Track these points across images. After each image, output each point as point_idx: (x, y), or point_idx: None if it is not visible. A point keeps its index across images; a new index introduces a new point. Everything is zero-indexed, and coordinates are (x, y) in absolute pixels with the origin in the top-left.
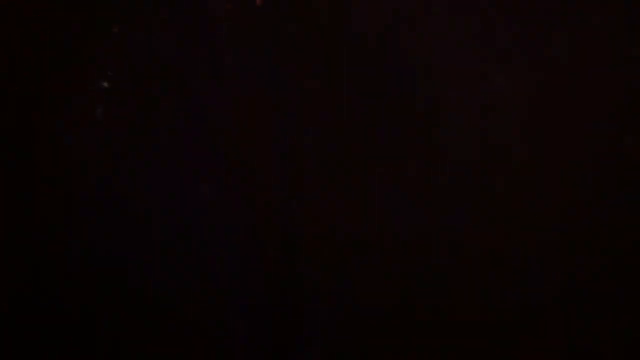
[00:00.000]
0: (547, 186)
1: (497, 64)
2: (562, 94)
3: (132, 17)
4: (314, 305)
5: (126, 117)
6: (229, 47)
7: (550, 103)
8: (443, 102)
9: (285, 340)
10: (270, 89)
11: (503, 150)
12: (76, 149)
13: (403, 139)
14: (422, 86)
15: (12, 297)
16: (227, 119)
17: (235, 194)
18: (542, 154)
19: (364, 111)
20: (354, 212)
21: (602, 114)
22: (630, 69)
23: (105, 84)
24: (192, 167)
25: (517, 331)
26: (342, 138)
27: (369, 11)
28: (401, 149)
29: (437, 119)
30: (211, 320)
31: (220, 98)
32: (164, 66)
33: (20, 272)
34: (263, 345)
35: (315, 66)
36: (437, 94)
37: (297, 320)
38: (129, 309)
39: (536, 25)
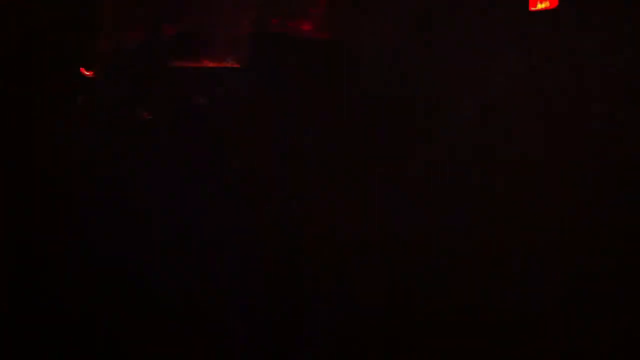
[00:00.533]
0: (547, 186)
1: (496, 64)
2: (562, 94)
3: (133, 17)
4: (314, 305)
5: (126, 118)
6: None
7: (550, 103)
8: (443, 103)
9: (285, 340)
10: (271, 89)
11: (503, 150)
12: (76, 148)
13: (403, 139)
14: (422, 87)
15: (12, 297)
16: (228, 119)
17: (235, 194)
18: (542, 154)
19: (364, 111)
20: (354, 212)
21: (602, 113)
22: (630, 68)
23: (105, 84)
24: (192, 167)
25: (517, 331)
26: (342, 138)
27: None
28: (401, 149)
29: (437, 119)
30: (211, 320)
31: (221, 98)
32: (165, 65)
33: (20, 272)
34: (263, 345)
35: (315, 67)
36: (436, 94)
37: (297, 320)
38: (129, 309)
39: (535, 25)
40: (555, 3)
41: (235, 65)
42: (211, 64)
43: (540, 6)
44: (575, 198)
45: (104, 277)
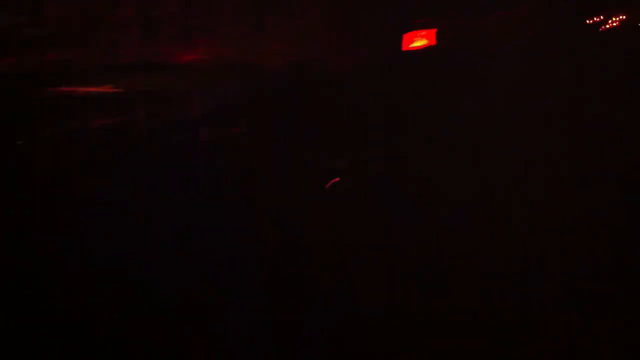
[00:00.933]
0: (547, 186)
1: (495, 63)
2: (562, 93)
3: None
4: (314, 305)
5: (127, 118)
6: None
7: (549, 103)
8: (444, 102)
9: (285, 340)
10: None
11: (502, 150)
12: (76, 148)
13: (403, 139)
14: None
15: (11, 297)
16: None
17: (235, 194)
18: (541, 154)
19: (365, 112)
20: (354, 214)
21: (602, 113)
22: (630, 68)
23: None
24: (194, 166)
25: (517, 331)
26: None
27: None
28: (401, 149)
29: (437, 119)
30: (211, 320)
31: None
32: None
33: (21, 272)
34: (263, 346)
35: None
36: (437, 94)
37: (298, 320)
38: (129, 309)
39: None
40: (433, 42)
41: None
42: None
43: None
44: (576, 198)
45: (104, 277)
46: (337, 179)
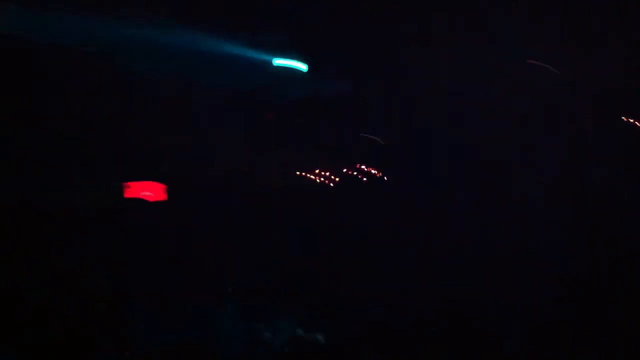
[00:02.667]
0: (547, 187)
1: (495, 75)
2: (561, 99)
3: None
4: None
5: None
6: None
7: (548, 107)
8: (443, 108)
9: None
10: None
11: (502, 150)
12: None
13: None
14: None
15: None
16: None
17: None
18: (540, 155)
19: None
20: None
21: (604, 115)
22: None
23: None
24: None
25: (517, 331)
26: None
27: None
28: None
29: (439, 124)
30: (211, 320)
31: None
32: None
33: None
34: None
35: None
36: (436, 103)
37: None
38: (130, 309)
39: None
40: None
41: None
42: None
43: None
44: (576, 200)
45: (106, 276)
46: None
